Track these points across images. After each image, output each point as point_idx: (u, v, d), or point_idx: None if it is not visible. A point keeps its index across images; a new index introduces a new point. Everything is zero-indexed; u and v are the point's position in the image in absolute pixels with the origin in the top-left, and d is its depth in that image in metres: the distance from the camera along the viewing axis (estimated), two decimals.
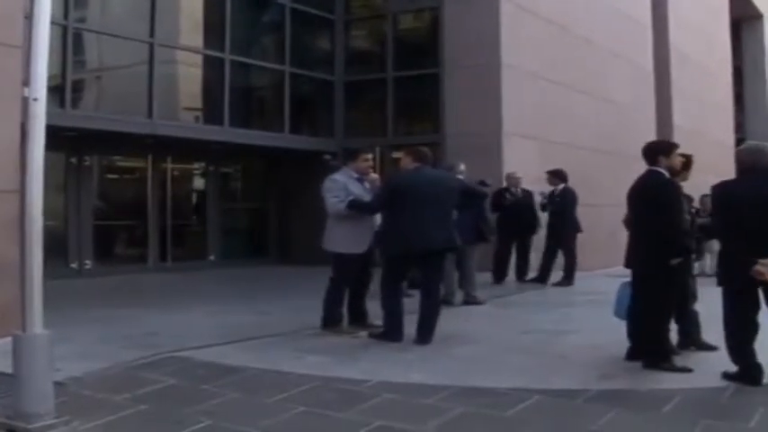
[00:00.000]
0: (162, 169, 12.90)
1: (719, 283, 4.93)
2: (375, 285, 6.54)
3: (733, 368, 4.82)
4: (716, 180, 5.15)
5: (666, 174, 5.25)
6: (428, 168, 6.44)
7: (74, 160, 11.34)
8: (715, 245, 12.82)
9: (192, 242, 13.56)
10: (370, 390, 4.66)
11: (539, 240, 10.91)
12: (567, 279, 10.63)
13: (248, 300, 8.96)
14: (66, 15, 10.12)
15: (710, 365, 5.09)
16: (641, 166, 5.50)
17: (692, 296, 5.83)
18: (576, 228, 10.72)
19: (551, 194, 10.74)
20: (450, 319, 6.86)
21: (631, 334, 5.47)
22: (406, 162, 6.49)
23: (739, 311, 4.77)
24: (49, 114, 3.99)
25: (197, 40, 12.52)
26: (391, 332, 6.21)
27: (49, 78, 4.12)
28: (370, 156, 6.89)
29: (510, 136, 12.14)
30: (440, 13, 13.05)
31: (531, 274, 10.88)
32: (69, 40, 10.19)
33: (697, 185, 7.60)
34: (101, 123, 10.50)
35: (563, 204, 10.61)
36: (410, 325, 6.22)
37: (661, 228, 5.10)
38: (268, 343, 6.14)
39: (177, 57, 12.16)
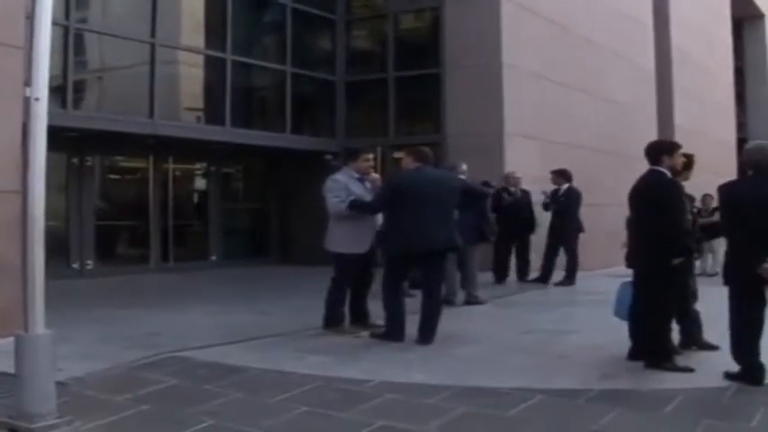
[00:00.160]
0: (163, 169, 12.90)
1: (725, 283, 4.92)
2: (376, 285, 6.54)
3: (734, 368, 4.82)
4: (717, 180, 5.16)
5: (668, 173, 5.25)
6: (429, 168, 6.45)
7: (75, 160, 11.35)
8: (716, 244, 12.88)
9: (193, 242, 13.57)
10: (372, 390, 4.66)
11: (538, 240, 10.90)
12: (569, 279, 10.62)
13: (250, 300, 8.96)
14: (67, 16, 10.12)
15: (712, 365, 5.09)
16: (642, 166, 5.49)
17: (692, 296, 5.83)
18: (578, 228, 10.71)
19: (555, 194, 10.73)
20: (451, 319, 6.86)
21: (633, 334, 5.47)
22: (408, 162, 6.49)
23: (745, 310, 4.77)
24: (50, 114, 3.99)
25: (198, 40, 12.53)
26: (393, 332, 6.21)
27: (51, 79, 4.12)
28: (370, 156, 6.90)
29: (511, 136, 12.14)
30: (441, 13, 13.05)
31: (533, 274, 10.88)
32: (71, 41, 10.19)
33: (698, 185, 7.58)
34: (102, 124, 10.50)
35: (567, 204, 10.61)
36: (412, 325, 6.22)
37: (663, 227, 5.10)
38: (270, 343, 6.14)
39: (178, 57, 12.17)
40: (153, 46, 11.15)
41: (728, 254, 4.96)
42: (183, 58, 12.26)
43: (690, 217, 5.76)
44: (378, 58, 14.19)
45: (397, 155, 11.74)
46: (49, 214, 4.17)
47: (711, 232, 12.46)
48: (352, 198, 6.39)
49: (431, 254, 6.22)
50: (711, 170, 16.26)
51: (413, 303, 6.52)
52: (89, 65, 11.24)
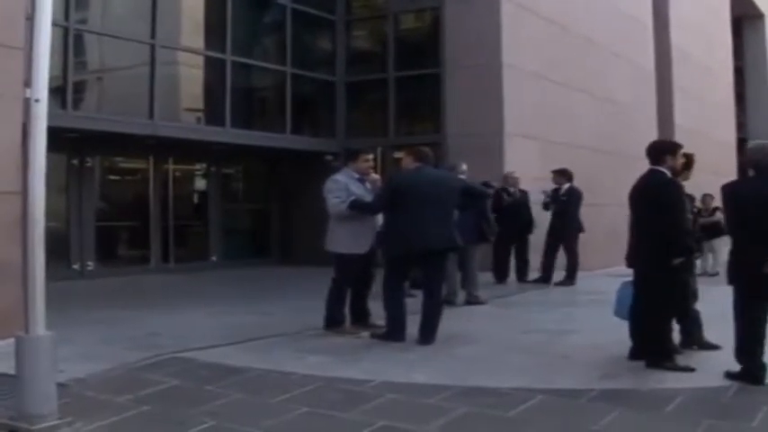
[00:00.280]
0: (164, 170, 12.90)
1: (730, 282, 4.92)
2: (377, 286, 6.54)
3: (735, 367, 4.82)
4: (717, 179, 5.17)
5: (669, 173, 5.26)
6: (429, 168, 6.45)
7: (75, 161, 11.34)
8: (716, 244, 12.89)
9: (193, 243, 13.56)
10: (373, 390, 4.66)
11: (537, 240, 10.90)
12: (570, 279, 10.62)
13: (250, 300, 8.96)
14: (67, 17, 10.12)
15: (713, 365, 5.10)
16: (642, 166, 5.50)
17: (693, 295, 5.83)
18: (578, 227, 10.71)
19: (556, 193, 10.73)
20: (452, 319, 6.86)
21: (633, 333, 5.47)
22: (408, 162, 6.49)
23: (749, 310, 4.77)
24: (50, 115, 3.99)
25: (198, 41, 12.52)
26: (394, 332, 6.21)
27: (51, 79, 4.12)
28: (370, 156, 6.90)
29: (511, 136, 12.14)
30: (441, 14, 13.06)
31: (533, 274, 10.87)
32: (71, 42, 10.19)
33: (698, 185, 7.58)
34: (102, 124, 10.50)
35: (568, 204, 10.61)
36: (412, 325, 6.22)
37: (663, 227, 5.10)
38: (271, 343, 6.14)
39: (178, 58, 12.16)
40: (153, 47, 11.15)
41: (732, 254, 4.96)
42: (183, 58, 12.25)
43: (690, 217, 5.77)
44: (378, 58, 14.18)
45: (397, 155, 11.74)
46: (50, 215, 4.17)
47: (712, 232, 12.50)
48: (352, 198, 6.39)
49: (431, 254, 6.22)
50: (711, 170, 16.29)
51: (413, 303, 6.52)
52: (89, 66, 11.24)
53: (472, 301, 8.61)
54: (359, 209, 6.39)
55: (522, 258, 10.97)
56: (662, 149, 5.42)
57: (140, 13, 11.19)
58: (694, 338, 5.76)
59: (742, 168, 5.13)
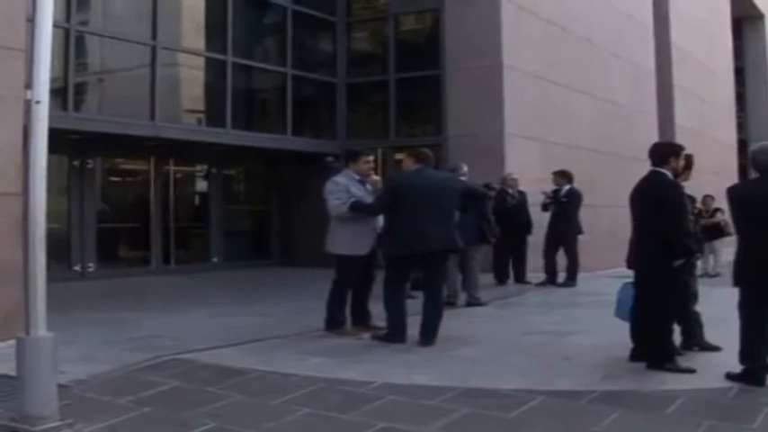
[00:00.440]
0: (164, 171, 12.91)
1: (735, 284, 4.92)
2: (378, 287, 6.54)
3: (736, 368, 4.82)
4: (718, 180, 5.18)
5: (670, 175, 5.26)
6: (429, 170, 6.45)
7: (76, 163, 11.35)
8: (717, 245, 12.90)
9: (194, 244, 13.58)
10: (374, 391, 4.66)
11: (536, 241, 10.90)
12: (570, 280, 10.62)
13: (251, 302, 8.96)
14: (68, 18, 10.13)
15: (714, 366, 5.10)
16: (643, 167, 5.50)
17: (693, 296, 5.83)
18: (578, 229, 10.70)
19: (556, 194, 10.72)
20: (453, 321, 6.86)
21: (634, 335, 5.47)
22: (408, 163, 6.49)
23: (754, 311, 4.78)
24: (51, 117, 3.99)
25: (199, 42, 12.53)
26: (394, 334, 6.21)
27: (52, 81, 4.13)
28: (371, 157, 6.90)
29: (511, 137, 12.14)
30: (441, 15, 13.07)
31: (534, 275, 10.87)
32: (72, 43, 10.20)
33: (699, 186, 7.59)
34: (103, 126, 10.50)
35: (568, 205, 10.60)
36: (413, 326, 6.22)
37: (664, 229, 5.10)
38: (271, 345, 6.14)
39: (179, 59, 12.16)
40: (154, 48, 11.16)
41: (738, 255, 4.96)
42: (184, 60, 12.26)
43: (692, 218, 5.77)
44: (378, 59, 14.19)
45: (398, 156, 11.74)
46: (51, 217, 4.17)
47: (713, 233, 12.50)
48: (353, 200, 6.39)
49: (431, 255, 6.22)
50: (712, 171, 16.33)
51: (414, 305, 6.52)
52: (90, 67, 11.24)
53: (473, 302, 8.60)
54: (359, 210, 6.40)
55: (521, 260, 10.97)
56: (665, 152, 5.42)
57: (141, 15, 11.20)
58: (695, 340, 5.76)
59: (743, 169, 5.14)
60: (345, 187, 6.48)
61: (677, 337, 5.57)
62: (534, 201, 10.88)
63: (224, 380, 4.91)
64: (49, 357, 3.87)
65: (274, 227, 14.55)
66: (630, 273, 5.53)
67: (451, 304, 8.06)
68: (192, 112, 12.71)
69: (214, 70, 12.49)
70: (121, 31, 11.06)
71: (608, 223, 12.25)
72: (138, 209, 12.62)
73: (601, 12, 14.83)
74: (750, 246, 4.81)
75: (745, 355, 4.78)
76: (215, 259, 13.32)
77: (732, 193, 5.07)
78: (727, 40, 24.39)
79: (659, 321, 5.19)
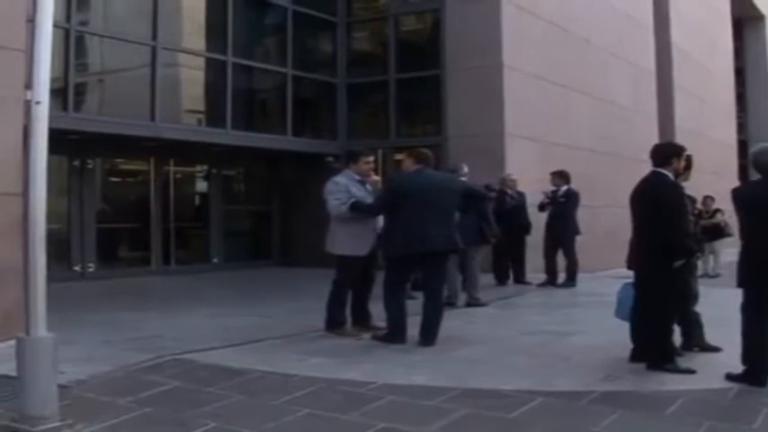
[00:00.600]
0: (164, 172, 12.92)
1: (739, 284, 4.92)
2: (378, 287, 6.54)
3: (736, 369, 4.82)
4: (718, 180, 5.19)
5: (671, 175, 5.26)
6: (429, 170, 6.44)
7: (77, 163, 11.36)
8: (717, 246, 12.89)
9: (194, 245, 13.58)
10: (374, 392, 4.66)
11: (534, 241, 10.90)
12: (570, 281, 10.62)
13: (251, 302, 8.96)
14: (68, 18, 10.14)
15: (714, 367, 5.09)
16: (643, 168, 5.50)
17: (694, 297, 5.83)
18: (575, 230, 10.70)
19: (554, 195, 10.72)
20: (453, 321, 6.87)
21: (634, 335, 5.47)
22: (408, 164, 6.49)
23: (758, 312, 4.78)
24: (51, 117, 4.00)
25: (199, 43, 12.54)
26: (394, 334, 6.21)
27: (52, 81, 4.13)
28: (371, 158, 6.89)
29: (511, 137, 12.15)
30: (441, 15, 13.08)
31: (534, 276, 10.87)
32: (72, 44, 10.21)
33: (699, 186, 7.59)
34: (104, 126, 10.50)
35: (566, 205, 10.60)
36: (413, 327, 6.22)
37: (665, 230, 5.10)
38: (271, 345, 6.15)
39: (180, 60, 12.17)
40: (154, 49, 11.16)
41: (742, 256, 4.96)
42: (185, 60, 12.26)
43: (692, 219, 5.77)
44: (378, 59, 14.20)
45: (398, 157, 11.74)
46: (51, 217, 4.17)
47: (713, 234, 12.50)
48: (353, 200, 6.40)
49: (431, 255, 6.22)
50: (712, 171, 16.33)
51: (414, 305, 6.52)
52: (90, 67, 11.25)
53: (473, 302, 8.61)
54: (359, 210, 6.40)
55: (520, 261, 10.97)
56: (667, 152, 5.42)
57: (141, 15, 11.20)
58: (696, 340, 5.76)
59: (743, 170, 5.15)
60: (345, 187, 6.48)
61: (677, 338, 5.57)
62: (535, 201, 10.88)
63: (224, 380, 4.91)
64: (49, 357, 3.87)
65: (274, 227, 14.55)
66: (630, 273, 5.53)
67: (452, 305, 8.07)
68: (193, 112, 12.72)
69: (214, 70, 12.49)
70: (122, 31, 11.06)
71: (608, 224, 12.24)
72: (138, 209, 12.61)
73: (601, 12, 14.83)
74: (753, 246, 4.82)
75: (747, 355, 4.78)
76: (215, 260, 13.33)
77: (737, 194, 5.08)
78: (728, 40, 24.40)
79: (659, 322, 5.19)
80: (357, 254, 6.44)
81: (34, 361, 3.82)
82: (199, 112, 12.78)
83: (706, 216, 12.60)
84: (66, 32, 10.08)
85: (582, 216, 10.86)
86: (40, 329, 3.86)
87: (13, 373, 3.97)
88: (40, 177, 3.92)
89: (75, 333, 5.94)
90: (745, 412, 4.25)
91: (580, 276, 10.66)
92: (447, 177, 7.01)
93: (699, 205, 10.11)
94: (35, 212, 3.91)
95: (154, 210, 12.51)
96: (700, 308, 5.84)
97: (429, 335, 6.16)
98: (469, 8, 12.45)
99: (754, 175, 5.09)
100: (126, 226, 12.59)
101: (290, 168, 14.23)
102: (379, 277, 6.54)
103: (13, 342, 3.98)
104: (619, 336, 5.63)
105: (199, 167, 14.05)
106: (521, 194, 10.88)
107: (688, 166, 5.77)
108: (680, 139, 12.27)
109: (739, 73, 26.50)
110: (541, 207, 10.77)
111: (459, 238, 6.54)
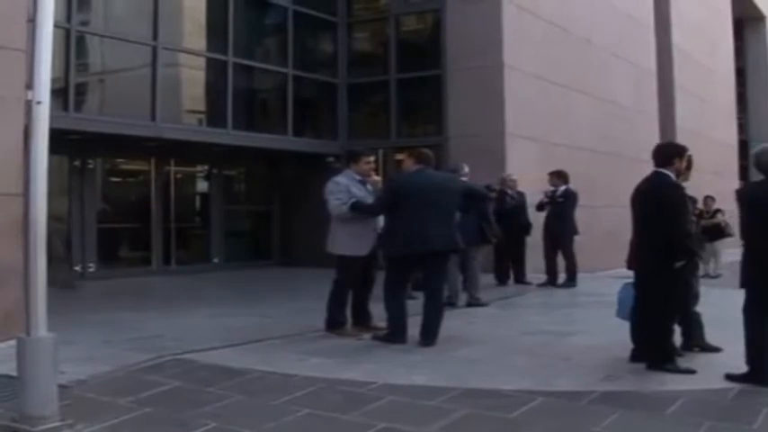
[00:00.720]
0: (165, 172, 12.92)
1: (742, 285, 4.92)
2: (378, 287, 6.54)
3: (736, 369, 4.82)
4: (718, 181, 5.20)
5: (673, 176, 5.26)
6: (430, 170, 6.44)
7: (77, 163, 11.37)
8: (718, 246, 12.89)
9: (195, 245, 13.58)
10: (375, 392, 4.66)
11: (533, 242, 10.89)
12: (570, 281, 10.62)
13: (252, 302, 8.96)
14: (69, 18, 10.14)
15: (714, 367, 5.09)
16: (643, 168, 5.49)
17: (694, 297, 5.83)
18: (573, 230, 10.70)
19: (552, 195, 10.72)
20: (453, 321, 6.86)
21: (635, 335, 5.47)
22: (408, 164, 6.49)
23: (761, 312, 4.77)
24: (52, 117, 4.00)
25: (200, 43, 12.54)
26: (395, 334, 6.21)
27: (53, 81, 4.13)
28: (371, 158, 6.90)
29: (512, 137, 12.14)
30: (442, 15, 13.07)
31: (534, 276, 10.87)
32: (72, 43, 10.21)
33: (700, 186, 7.58)
34: (104, 126, 10.50)
35: (565, 205, 10.60)
36: (414, 327, 6.22)
37: (665, 230, 5.10)
38: (272, 345, 6.15)
39: (180, 60, 12.17)
40: (155, 49, 11.16)
41: (746, 256, 4.95)
42: (185, 60, 12.27)
43: (693, 219, 5.77)
44: (379, 60, 14.20)
45: (399, 157, 11.74)
46: (51, 217, 4.17)
47: (713, 234, 12.50)
48: (353, 200, 6.40)
49: (432, 255, 6.22)
50: (712, 171, 16.33)
51: (415, 305, 6.52)
52: (91, 67, 11.25)
53: (473, 302, 8.61)
54: (360, 210, 6.40)
55: (519, 261, 10.97)
56: (670, 153, 5.41)
57: (142, 15, 11.20)
58: (696, 340, 5.76)
59: (743, 170, 5.16)
60: (346, 187, 6.48)
61: (678, 338, 5.57)
62: (535, 202, 10.88)
63: (224, 380, 4.91)
64: (49, 358, 3.87)
65: (275, 227, 14.55)
66: (630, 273, 5.53)
67: (452, 305, 8.07)
68: (193, 112, 12.72)
69: (215, 70, 12.49)
70: (122, 31, 11.06)
71: (608, 224, 12.24)
72: (138, 209, 12.61)
73: (602, 12, 14.83)
74: (754, 246, 4.82)
75: (751, 354, 4.78)
76: (216, 260, 13.33)
77: (741, 194, 5.09)
78: (729, 40, 24.39)
79: (659, 322, 5.19)
80: (357, 254, 6.44)
81: (34, 361, 3.82)
82: (199, 112, 12.78)
83: (707, 216, 12.60)
84: (67, 32, 10.08)
85: (582, 216, 10.86)
86: (41, 329, 3.87)
87: (14, 373, 3.97)
88: (40, 177, 3.92)
89: (76, 333, 5.94)
90: (745, 412, 4.25)
91: (580, 276, 10.67)
92: (448, 177, 7.01)
93: (699, 205, 10.12)
94: (35, 212, 3.91)
95: (154, 210, 12.51)
96: (700, 308, 5.85)
97: (429, 335, 6.16)
98: (470, 8, 12.45)
99: (756, 176, 5.08)
100: (126, 226, 12.59)
101: (291, 168, 14.23)
102: (380, 277, 6.54)
103: (13, 342, 3.98)
104: (619, 336, 5.63)
105: (199, 167, 14.05)
106: (521, 194, 10.88)
107: (688, 166, 5.77)
108: (680, 138, 12.27)
109: (740, 73, 26.49)
110: (540, 206, 10.77)
111: (460, 238, 6.53)
